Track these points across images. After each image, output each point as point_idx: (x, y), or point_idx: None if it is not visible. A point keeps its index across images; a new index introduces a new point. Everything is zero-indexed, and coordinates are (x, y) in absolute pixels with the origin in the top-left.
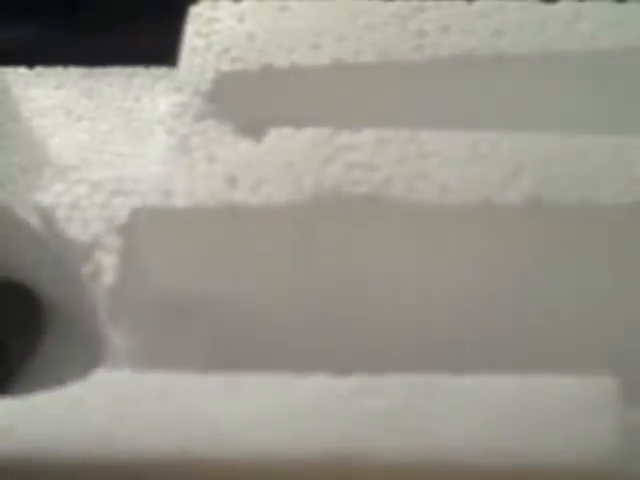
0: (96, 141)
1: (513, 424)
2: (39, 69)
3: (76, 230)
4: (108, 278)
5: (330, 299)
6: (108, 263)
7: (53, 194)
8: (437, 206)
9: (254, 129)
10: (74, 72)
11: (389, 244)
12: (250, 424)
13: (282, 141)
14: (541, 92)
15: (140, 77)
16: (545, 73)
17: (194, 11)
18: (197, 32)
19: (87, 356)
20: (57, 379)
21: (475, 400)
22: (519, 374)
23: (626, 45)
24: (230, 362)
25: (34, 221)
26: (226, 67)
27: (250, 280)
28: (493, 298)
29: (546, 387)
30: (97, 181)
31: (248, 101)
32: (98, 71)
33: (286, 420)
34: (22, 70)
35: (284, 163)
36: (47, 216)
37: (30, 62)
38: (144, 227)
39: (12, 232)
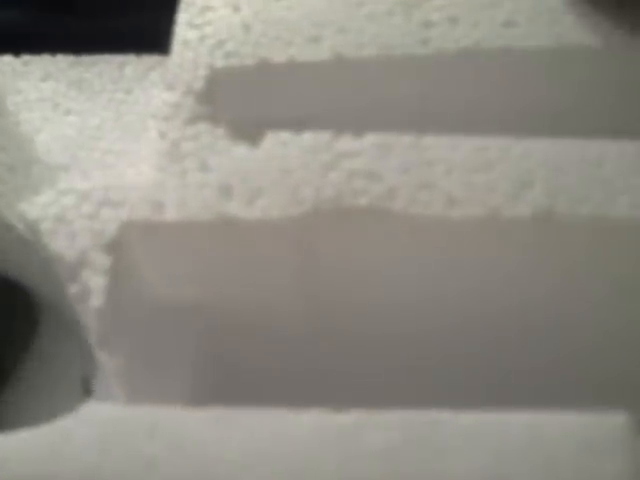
0: (85, 137)
1: (518, 462)
2: (26, 57)
3: (62, 245)
4: (96, 300)
5: (330, 316)
6: (95, 284)
7: (38, 206)
8: (442, 219)
9: (249, 132)
10: (62, 60)
11: (392, 259)
12: (244, 461)
13: (279, 147)
14: (555, 90)
15: (131, 66)
16: (560, 68)
17: None
18: (189, 23)
19: (81, 354)
20: (51, 378)
21: (478, 437)
22: (527, 407)
23: None
24: (224, 382)
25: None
26: (220, 63)
27: (247, 298)
28: (501, 318)
29: (554, 424)
30: (84, 191)
31: (243, 100)
32: (87, 59)
33: (282, 457)
34: (8, 59)
35: (281, 171)
36: (32, 229)
37: (17, 47)
38: (133, 242)
39: (2, 233)
